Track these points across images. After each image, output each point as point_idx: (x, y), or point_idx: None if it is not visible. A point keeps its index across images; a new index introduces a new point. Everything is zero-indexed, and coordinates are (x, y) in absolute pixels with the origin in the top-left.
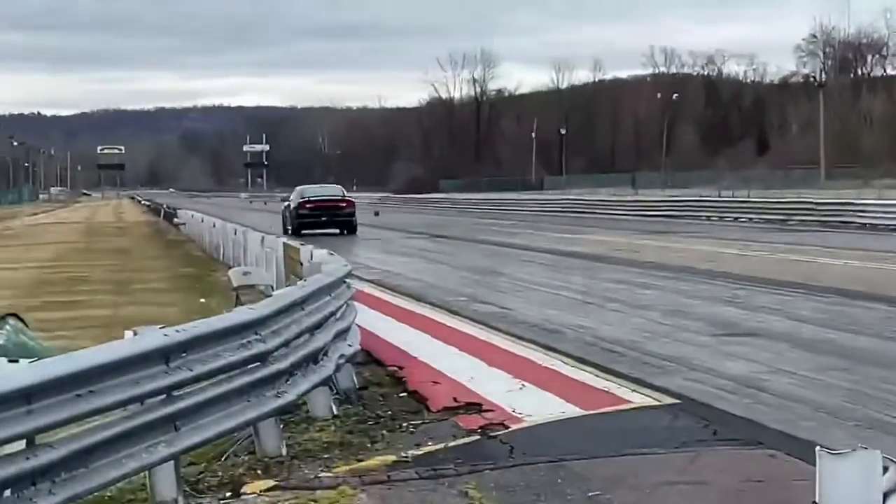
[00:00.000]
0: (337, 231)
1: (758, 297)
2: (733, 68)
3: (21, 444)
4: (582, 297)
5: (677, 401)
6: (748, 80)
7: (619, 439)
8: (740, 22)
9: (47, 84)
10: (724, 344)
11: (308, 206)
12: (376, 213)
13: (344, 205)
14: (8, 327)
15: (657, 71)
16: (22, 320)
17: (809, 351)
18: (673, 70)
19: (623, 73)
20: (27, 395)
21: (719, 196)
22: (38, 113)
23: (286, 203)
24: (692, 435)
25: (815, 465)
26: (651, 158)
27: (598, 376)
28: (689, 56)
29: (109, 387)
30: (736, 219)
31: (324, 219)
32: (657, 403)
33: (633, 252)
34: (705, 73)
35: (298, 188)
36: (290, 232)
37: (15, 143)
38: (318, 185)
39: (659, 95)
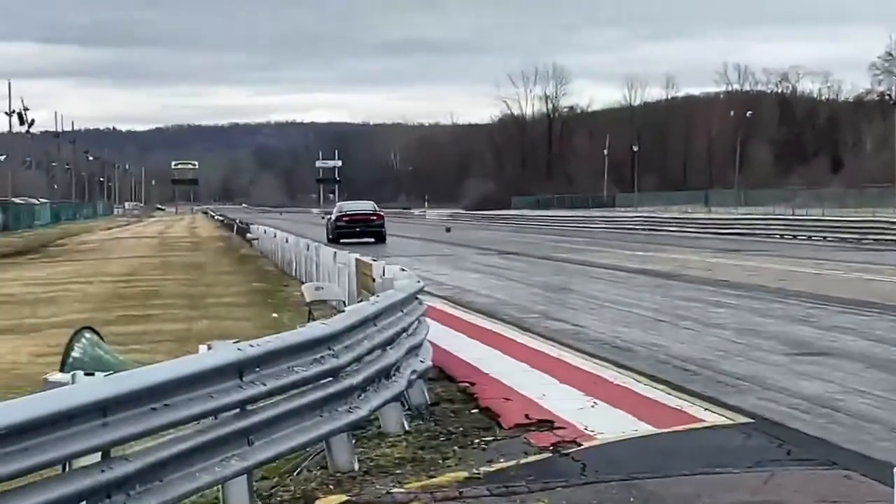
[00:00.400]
0: (371, 240)
1: (832, 317)
2: (807, 86)
3: (96, 457)
4: (654, 315)
5: (751, 420)
6: (822, 98)
7: (692, 458)
8: (815, 39)
9: (123, 100)
10: (798, 363)
11: (345, 218)
12: (448, 230)
13: (375, 218)
14: (84, 340)
15: (730, 88)
16: (98, 334)
17: (885, 371)
18: (746, 87)
19: (696, 91)
20: (103, 408)
21: (792, 214)
22: (114, 128)
23: (328, 216)
24: (766, 455)
25: (891, 486)
26: (724, 176)
27: (670, 394)
28: (762, 73)
29: (184, 400)
30: (809, 237)
31: (357, 229)
32: (730, 422)
33: (705, 270)
34: (779, 90)
35: (339, 203)
36: (330, 240)
37: (90, 158)
38: (354, 202)
39: (732, 113)
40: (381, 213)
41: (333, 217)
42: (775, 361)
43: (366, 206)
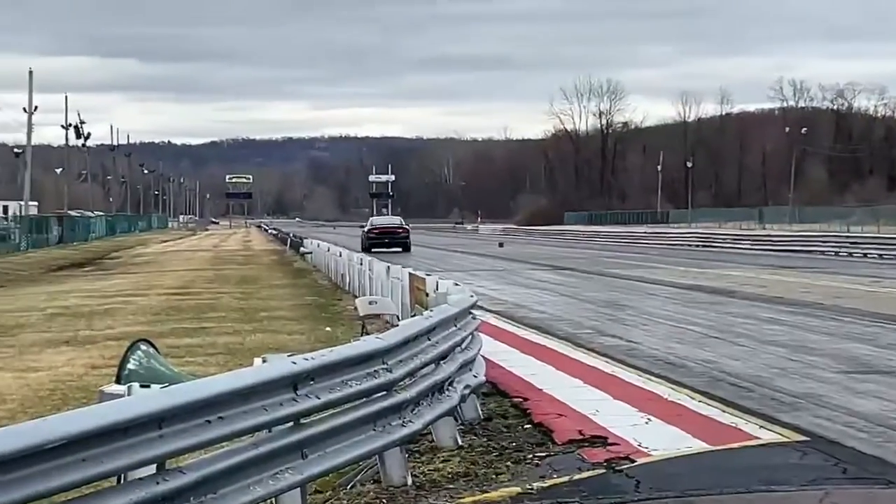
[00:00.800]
0: (399, 249)
1: (888, 335)
2: (863, 102)
3: (151, 469)
4: (708, 332)
5: (806, 438)
6: (878, 115)
7: (746, 476)
8: (871, 55)
9: (178, 113)
10: (854, 381)
11: (375, 231)
12: (500, 245)
13: (401, 231)
14: (140, 352)
15: (786, 104)
16: (153, 346)
17: None
18: (802, 103)
19: (751, 107)
20: (159, 420)
21: (848, 231)
22: (169, 142)
23: (363, 228)
24: (822, 473)
25: None
26: (778, 193)
27: (724, 412)
28: (818, 89)
29: (239, 413)
30: (865, 255)
31: (386, 240)
32: (786, 440)
33: (759, 287)
34: (835, 106)
35: (371, 218)
36: (363, 249)
37: (146, 172)
38: (384, 217)
39: (787, 129)
40: (407, 227)
41: (366, 230)
42: (831, 379)
43: (394, 220)
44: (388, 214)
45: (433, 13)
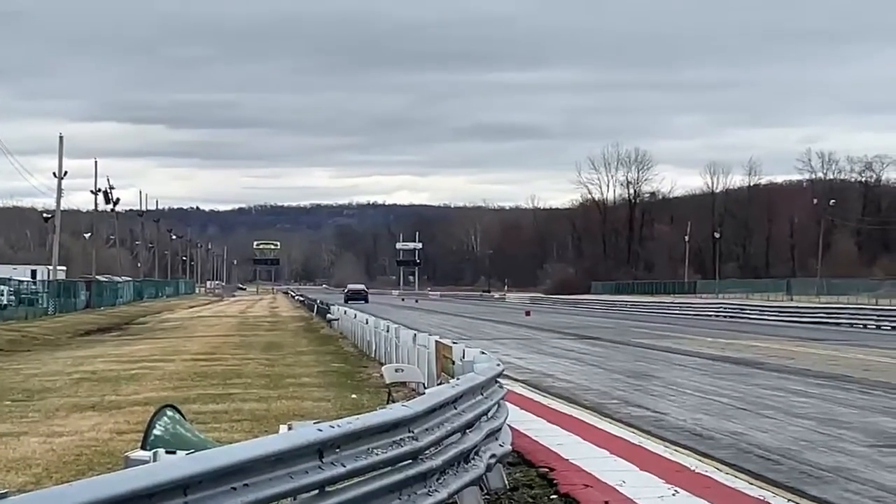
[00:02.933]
0: (363, 301)
1: None
2: (892, 175)
3: None
4: (736, 403)
5: None
6: None
7: None
8: None
9: (206, 179)
10: (883, 455)
11: (350, 292)
12: (527, 313)
13: (363, 292)
14: (166, 418)
15: (814, 176)
16: (179, 412)
17: None
18: (830, 175)
19: (779, 178)
20: (184, 487)
21: (876, 304)
22: (197, 207)
23: (344, 290)
24: None
25: None
26: (806, 264)
27: (752, 484)
28: (846, 161)
29: (264, 480)
30: (893, 327)
31: (356, 297)
32: None
33: (787, 358)
34: (863, 179)
35: (348, 284)
36: (344, 302)
37: (174, 237)
38: (355, 284)
39: (815, 201)
40: (366, 290)
41: (346, 291)
42: (860, 453)
43: (360, 286)
44: (414, 282)
45: (462, 83)
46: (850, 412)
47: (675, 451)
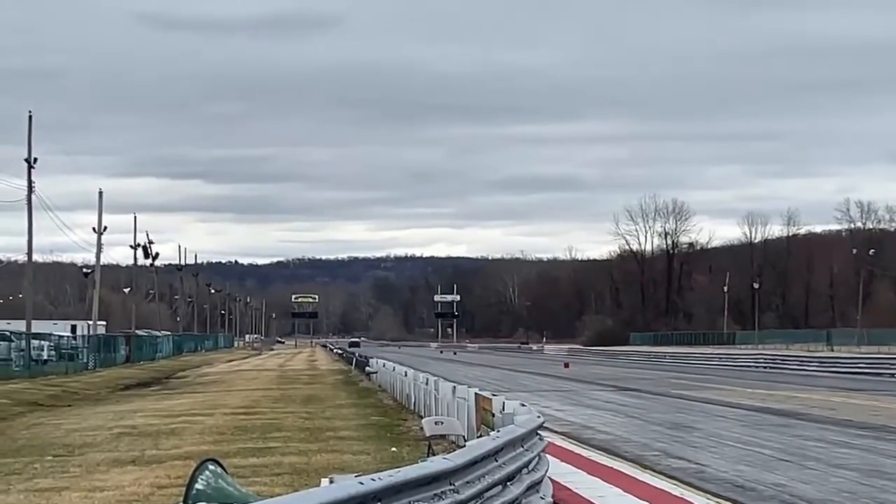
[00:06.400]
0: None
1: None
2: None
3: None
4: (777, 454)
5: None
6: None
7: None
8: None
9: (244, 233)
10: None
11: (350, 343)
12: (566, 365)
13: (359, 343)
14: (208, 472)
15: (852, 226)
16: (221, 465)
17: None
18: (869, 225)
19: (817, 228)
20: None
21: None
22: (235, 261)
23: (349, 340)
24: None
25: None
26: (846, 315)
27: None
28: (885, 211)
29: None
30: None
31: (356, 347)
32: None
33: (828, 409)
34: None
35: (349, 339)
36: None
37: (212, 291)
38: (354, 338)
39: (854, 251)
40: (360, 341)
41: (349, 342)
42: None
43: (356, 339)
44: (452, 334)
45: (496, 135)
46: (893, 463)
47: (718, 502)
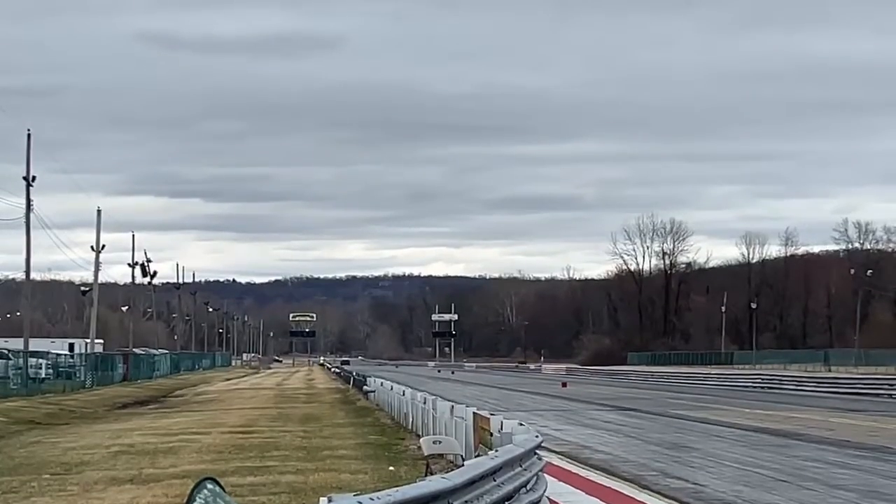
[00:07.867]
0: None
1: None
2: None
3: None
4: (776, 475)
5: None
6: None
7: None
8: None
9: (242, 252)
10: None
11: (339, 362)
12: (564, 385)
13: (349, 363)
14: (206, 491)
15: (850, 246)
16: (219, 484)
17: None
18: (867, 245)
19: (815, 248)
20: None
21: None
22: (233, 280)
23: (340, 359)
24: None
25: None
26: (844, 335)
27: None
28: (883, 231)
29: None
30: None
31: (344, 365)
32: None
33: (826, 430)
34: None
35: (339, 359)
36: (341, 365)
37: (210, 310)
38: (346, 356)
39: (852, 271)
40: (349, 360)
41: (340, 361)
42: None
43: (347, 358)
44: (450, 353)
45: (496, 154)
46: (891, 484)
47: None
